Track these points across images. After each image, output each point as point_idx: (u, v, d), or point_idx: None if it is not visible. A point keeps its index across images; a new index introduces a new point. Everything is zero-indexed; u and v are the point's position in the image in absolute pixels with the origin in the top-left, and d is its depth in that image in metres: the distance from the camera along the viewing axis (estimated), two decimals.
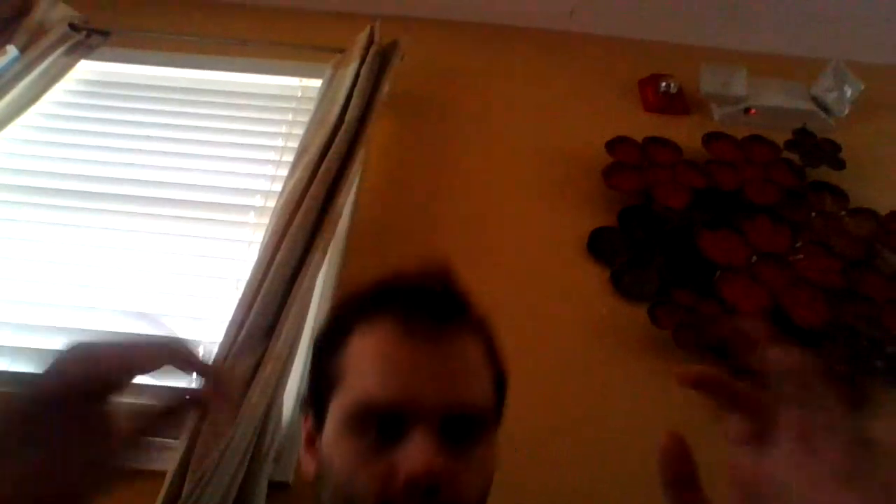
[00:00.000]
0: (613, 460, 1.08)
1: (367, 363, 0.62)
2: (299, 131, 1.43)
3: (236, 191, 1.41)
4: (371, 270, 0.68)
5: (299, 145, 1.36)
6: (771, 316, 1.22)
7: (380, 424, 0.59)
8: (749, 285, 1.27)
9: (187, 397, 0.55)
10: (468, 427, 0.61)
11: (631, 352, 1.21)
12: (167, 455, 0.94)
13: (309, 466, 0.68)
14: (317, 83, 1.55)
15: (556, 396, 1.14)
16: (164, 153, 1.47)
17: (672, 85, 1.65)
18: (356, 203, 1.40)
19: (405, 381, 0.60)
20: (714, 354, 1.19)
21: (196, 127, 1.53)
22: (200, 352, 0.95)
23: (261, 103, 1.59)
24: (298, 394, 1.10)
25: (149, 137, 1.50)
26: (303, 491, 1.02)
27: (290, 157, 1.35)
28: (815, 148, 1.52)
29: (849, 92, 1.58)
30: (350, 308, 0.69)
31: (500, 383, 0.68)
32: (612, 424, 1.12)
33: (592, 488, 1.04)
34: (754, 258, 1.31)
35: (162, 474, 0.91)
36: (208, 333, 1.17)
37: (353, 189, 1.36)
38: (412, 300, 0.65)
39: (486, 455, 0.62)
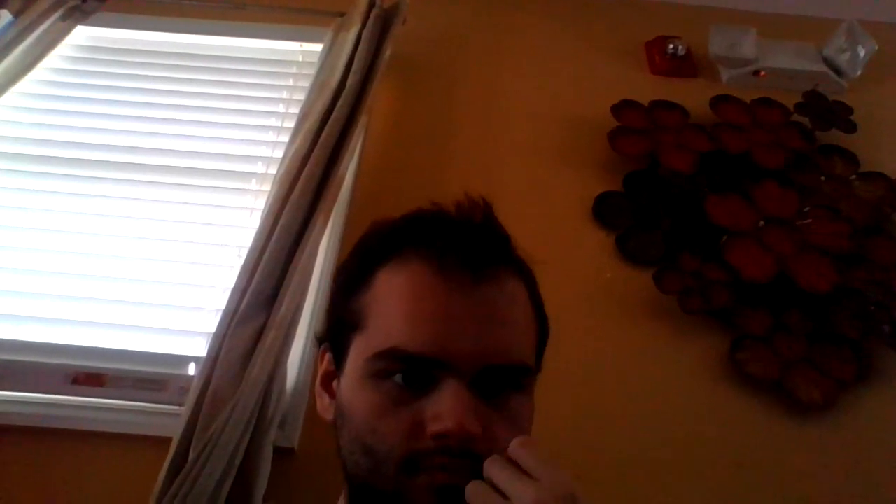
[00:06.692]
0: (615, 424, 1.08)
1: (396, 306, 0.57)
2: (300, 97, 1.41)
3: (237, 157, 1.39)
4: None
5: (300, 111, 1.33)
6: (777, 281, 1.21)
7: (407, 372, 0.55)
8: (756, 250, 1.25)
9: None
10: (505, 378, 0.56)
11: (635, 317, 1.20)
12: (173, 421, 0.95)
13: (325, 407, 0.65)
14: (317, 47, 1.51)
15: (559, 360, 1.13)
16: (164, 120, 1.45)
17: (679, 47, 1.61)
18: (358, 169, 1.38)
19: (438, 329, 0.55)
20: (718, 320, 1.19)
21: (196, 93, 1.50)
22: None
23: (261, 68, 1.56)
24: (302, 361, 1.10)
25: (147, 104, 1.47)
26: (307, 456, 1.03)
27: (291, 123, 1.33)
28: (826, 110, 1.49)
29: (862, 52, 1.54)
30: (377, 240, 0.63)
31: (541, 330, 0.64)
32: (615, 389, 1.12)
33: (592, 452, 1.04)
34: (761, 223, 1.29)
35: (168, 440, 0.92)
36: (211, 301, 1.17)
37: (356, 155, 1.35)
38: (447, 237, 0.59)
39: (522, 408, 0.58)
